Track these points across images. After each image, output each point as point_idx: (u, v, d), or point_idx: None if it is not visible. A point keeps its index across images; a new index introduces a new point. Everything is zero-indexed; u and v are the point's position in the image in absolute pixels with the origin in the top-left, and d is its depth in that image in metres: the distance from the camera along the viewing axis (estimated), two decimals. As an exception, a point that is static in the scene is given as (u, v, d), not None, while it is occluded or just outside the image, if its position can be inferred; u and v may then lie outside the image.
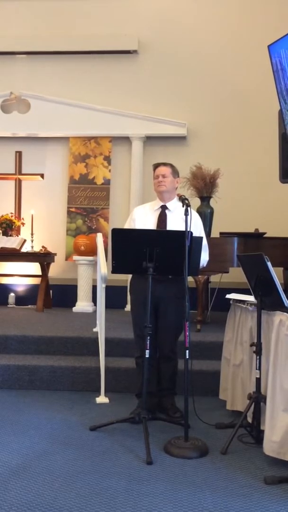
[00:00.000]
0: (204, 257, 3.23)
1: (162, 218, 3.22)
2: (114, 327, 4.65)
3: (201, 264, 3.19)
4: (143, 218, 3.27)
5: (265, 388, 2.69)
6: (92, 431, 2.95)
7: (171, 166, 3.28)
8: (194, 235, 3.05)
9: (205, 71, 6.71)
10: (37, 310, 6.14)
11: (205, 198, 5.16)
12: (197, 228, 3.18)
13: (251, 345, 2.90)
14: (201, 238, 3.05)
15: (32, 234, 6.44)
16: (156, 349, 3.22)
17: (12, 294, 6.81)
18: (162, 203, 3.26)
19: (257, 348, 2.80)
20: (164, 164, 3.29)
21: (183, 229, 2.84)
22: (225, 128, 6.66)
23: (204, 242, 3.23)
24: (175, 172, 3.29)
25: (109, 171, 6.81)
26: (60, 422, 3.12)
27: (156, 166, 3.30)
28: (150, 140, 6.75)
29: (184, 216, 2.84)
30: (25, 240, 6.41)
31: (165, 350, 3.24)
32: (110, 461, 2.54)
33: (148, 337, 2.87)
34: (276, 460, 2.49)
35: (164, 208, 3.25)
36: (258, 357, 2.79)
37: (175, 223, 3.15)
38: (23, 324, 4.97)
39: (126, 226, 3.37)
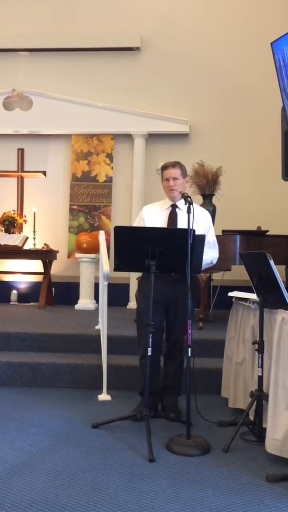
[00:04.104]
0: (214, 254, 3.24)
1: (172, 217, 3.21)
2: (116, 324, 4.66)
3: (209, 261, 3.20)
4: (153, 217, 3.25)
5: (267, 386, 2.69)
6: (94, 429, 2.96)
7: (180, 166, 3.22)
8: (203, 232, 3.07)
9: (208, 68, 6.69)
10: (39, 307, 6.15)
11: (207, 196, 5.16)
12: (206, 225, 3.21)
13: (253, 343, 2.89)
14: (203, 236, 3.04)
15: (34, 231, 6.44)
16: (161, 348, 3.23)
17: (14, 292, 6.82)
18: (172, 202, 3.26)
19: (259, 346, 2.80)
20: (173, 165, 3.21)
21: (195, 227, 2.84)
22: (228, 125, 6.64)
23: (213, 239, 3.25)
24: (184, 172, 3.26)
25: (111, 168, 6.81)
26: (62, 419, 3.12)
27: (164, 167, 3.24)
28: (152, 137, 6.74)
29: (194, 215, 2.84)
30: (27, 238, 6.42)
31: (173, 348, 3.25)
32: (112, 459, 2.55)
33: (150, 335, 2.87)
34: (278, 458, 2.49)
35: (174, 207, 3.25)
36: (260, 355, 2.79)
37: (186, 221, 3.12)
38: (25, 322, 4.97)
39: (135, 225, 3.37)
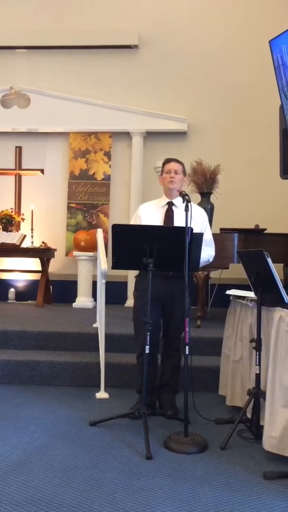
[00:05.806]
0: (210, 252, 3.25)
1: (169, 215, 3.21)
2: (114, 322, 4.66)
3: (206, 259, 3.20)
4: (149, 215, 3.25)
5: (265, 384, 2.69)
6: (92, 426, 2.96)
7: (182, 164, 3.29)
8: (200, 230, 3.06)
9: (206, 67, 6.69)
10: (37, 305, 6.15)
11: (205, 194, 5.16)
12: (203, 223, 3.21)
13: (251, 341, 2.90)
14: (201, 234, 3.04)
15: (32, 229, 6.43)
16: (158, 346, 3.23)
17: (12, 290, 6.81)
18: (168, 200, 3.26)
19: (257, 344, 2.81)
20: (176, 160, 3.28)
21: (192, 225, 2.84)
22: (226, 123, 6.64)
23: (210, 237, 3.25)
24: (184, 171, 3.31)
25: (109, 166, 6.80)
26: (60, 417, 3.12)
27: (167, 161, 3.28)
28: (150, 135, 6.73)
29: (191, 213, 2.84)
30: (25, 236, 6.41)
31: (170, 346, 3.26)
32: (110, 456, 2.55)
33: (148, 333, 2.87)
34: (275, 455, 2.50)
35: (170, 204, 3.25)
36: (257, 353, 2.80)
37: (182, 219, 3.12)
38: (23, 320, 4.97)
39: (132, 224, 3.36)
